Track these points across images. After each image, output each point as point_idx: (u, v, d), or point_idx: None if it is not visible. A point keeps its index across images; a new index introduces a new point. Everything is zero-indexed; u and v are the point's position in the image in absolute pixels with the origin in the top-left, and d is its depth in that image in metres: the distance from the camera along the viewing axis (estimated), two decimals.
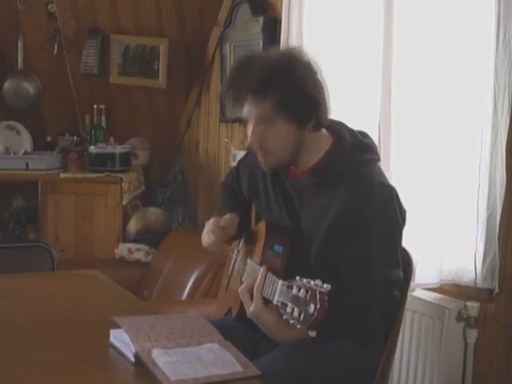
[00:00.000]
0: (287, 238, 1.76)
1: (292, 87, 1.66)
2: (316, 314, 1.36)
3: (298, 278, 1.45)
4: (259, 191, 1.91)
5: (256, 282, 1.63)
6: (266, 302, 1.60)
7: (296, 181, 1.79)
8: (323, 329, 1.55)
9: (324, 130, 1.76)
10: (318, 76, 1.71)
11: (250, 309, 1.63)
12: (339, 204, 1.67)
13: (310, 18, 2.83)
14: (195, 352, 1.45)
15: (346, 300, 1.64)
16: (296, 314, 1.41)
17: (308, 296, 1.39)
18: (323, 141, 1.76)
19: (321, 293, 1.37)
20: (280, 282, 1.53)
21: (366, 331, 1.68)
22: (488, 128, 2.13)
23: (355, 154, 1.74)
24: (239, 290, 1.69)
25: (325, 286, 1.38)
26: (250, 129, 1.73)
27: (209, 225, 1.92)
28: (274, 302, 1.53)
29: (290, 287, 1.46)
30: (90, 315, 1.81)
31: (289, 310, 1.44)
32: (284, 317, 1.47)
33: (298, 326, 1.41)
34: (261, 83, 1.66)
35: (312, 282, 1.40)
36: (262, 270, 1.64)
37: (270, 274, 1.60)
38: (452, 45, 2.23)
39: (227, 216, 1.93)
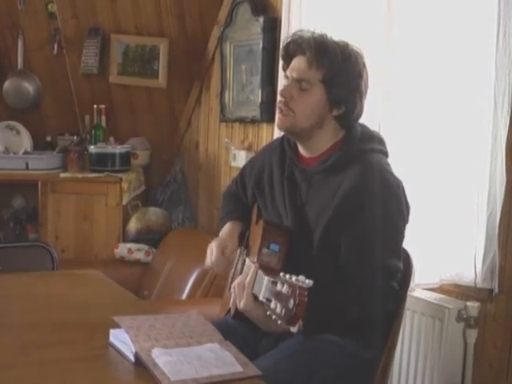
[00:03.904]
0: (284, 237, 1.77)
1: (348, 72, 1.76)
2: (295, 309, 1.37)
3: (282, 274, 1.46)
4: (264, 187, 1.94)
5: (247, 278, 1.65)
6: (257, 298, 1.61)
7: (305, 167, 1.83)
8: (322, 317, 1.57)
9: (339, 126, 1.82)
10: (368, 86, 1.83)
11: (241, 304, 1.66)
12: (346, 187, 1.71)
13: (310, 18, 2.83)
14: (195, 352, 1.45)
15: (344, 287, 1.67)
16: (278, 309, 1.42)
17: (289, 291, 1.40)
18: (337, 132, 1.83)
19: (300, 288, 1.37)
20: (266, 278, 1.54)
21: (365, 320, 1.69)
22: (488, 128, 2.13)
23: (366, 142, 1.81)
24: (232, 287, 1.71)
25: (307, 281, 1.39)
26: (286, 83, 1.81)
27: (213, 252, 1.92)
28: (260, 297, 1.55)
29: (275, 283, 1.47)
30: (90, 315, 1.80)
31: (272, 305, 1.45)
32: (268, 312, 1.48)
33: (279, 322, 1.42)
34: (327, 52, 1.75)
35: (294, 278, 1.41)
36: (253, 267, 1.66)
37: (260, 271, 1.61)
38: (452, 44, 2.23)
39: (228, 241, 1.94)
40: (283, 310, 1.40)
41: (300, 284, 1.38)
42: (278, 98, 1.82)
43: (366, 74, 1.81)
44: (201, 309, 2.25)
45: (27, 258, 2.65)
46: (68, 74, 4.03)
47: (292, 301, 1.37)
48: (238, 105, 3.58)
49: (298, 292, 1.37)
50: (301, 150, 1.87)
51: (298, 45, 1.79)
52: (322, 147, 1.82)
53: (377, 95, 2.44)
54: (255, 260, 1.73)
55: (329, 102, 1.77)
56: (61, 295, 2.02)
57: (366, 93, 1.82)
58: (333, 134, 1.82)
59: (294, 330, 1.44)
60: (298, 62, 1.78)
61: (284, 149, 1.91)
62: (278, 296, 1.43)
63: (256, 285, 1.61)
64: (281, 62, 1.91)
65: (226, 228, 2.00)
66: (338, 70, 1.75)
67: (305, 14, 2.87)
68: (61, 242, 3.66)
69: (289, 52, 1.83)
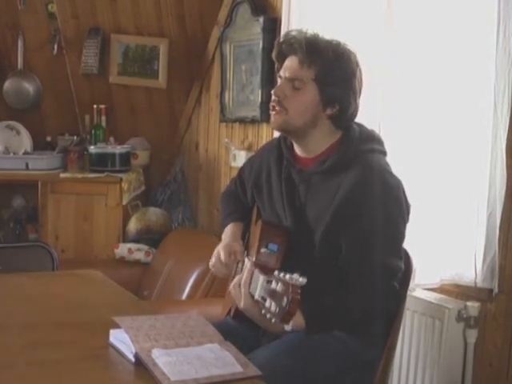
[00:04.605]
0: (282, 237, 1.77)
1: (341, 71, 1.76)
2: (287, 307, 1.37)
3: (276, 272, 1.46)
4: (262, 187, 1.94)
5: (242, 278, 1.65)
6: (253, 297, 1.61)
7: (303, 168, 1.83)
8: (324, 317, 1.59)
9: (334, 126, 1.82)
10: (362, 85, 1.82)
11: (241, 304, 1.66)
12: (346, 187, 1.71)
13: (310, 18, 2.83)
14: (195, 352, 1.45)
15: (345, 287, 1.68)
16: (273, 308, 1.43)
17: (283, 289, 1.40)
18: (334, 132, 1.82)
19: (293, 286, 1.38)
20: (261, 277, 1.54)
21: (365, 320, 1.70)
22: (488, 128, 2.13)
23: (364, 142, 1.80)
24: (230, 287, 1.71)
25: (300, 279, 1.39)
26: (280, 82, 1.80)
27: (221, 255, 1.90)
28: (256, 296, 1.56)
29: (270, 282, 1.47)
30: (90, 315, 1.80)
31: (267, 304, 1.46)
32: (262, 311, 1.48)
33: (273, 320, 1.43)
34: (319, 50, 1.74)
35: (288, 276, 1.41)
36: (248, 265, 1.66)
37: (256, 271, 1.61)
38: (452, 44, 2.23)
39: (235, 246, 1.91)
40: (277, 309, 1.41)
41: (293, 282, 1.38)
42: (272, 97, 1.82)
43: (360, 72, 1.80)
44: (201, 309, 2.25)
45: (27, 258, 2.65)
46: (68, 74, 4.03)
47: (285, 299, 1.38)
48: (237, 105, 3.58)
49: (290, 290, 1.37)
50: (297, 150, 1.86)
51: (290, 45, 1.79)
52: (318, 148, 1.81)
53: (376, 95, 2.44)
54: (253, 260, 1.73)
55: (322, 100, 1.76)
56: (61, 295, 2.02)
57: (360, 92, 1.82)
58: (329, 135, 1.81)
59: (288, 328, 1.44)
60: (291, 62, 1.79)
61: (281, 149, 1.91)
62: (273, 294, 1.44)
63: (253, 284, 1.61)
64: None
65: (229, 230, 1.99)
66: (330, 69, 1.74)
67: (305, 13, 2.87)
68: (61, 242, 3.66)
69: (281, 52, 1.83)
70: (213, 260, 1.94)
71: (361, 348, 1.73)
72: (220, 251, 1.91)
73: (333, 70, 1.75)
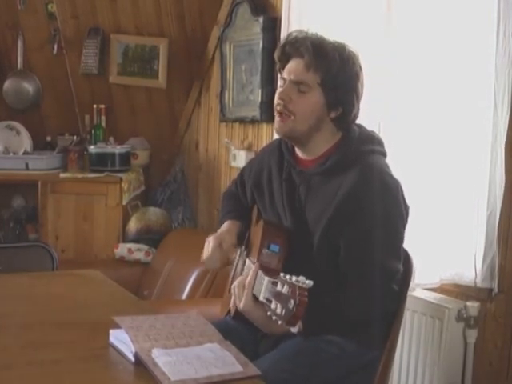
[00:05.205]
0: (284, 237, 1.77)
1: (346, 75, 1.76)
2: (295, 309, 1.37)
3: (282, 274, 1.46)
4: (263, 188, 1.94)
5: (247, 278, 1.64)
6: (257, 298, 1.61)
7: (303, 169, 1.83)
8: (321, 318, 1.58)
9: (336, 128, 1.82)
10: (363, 85, 1.82)
11: (241, 305, 1.66)
12: (346, 189, 1.71)
13: (310, 18, 2.83)
14: (195, 352, 1.45)
15: (344, 289, 1.68)
16: (278, 310, 1.43)
17: (289, 292, 1.40)
18: (335, 133, 1.82)
19: (300, 288, 1.38)
20: (266, 278, 1.54)
21: (364, 321, 1.70)
22: (488, 128, 2.13)
23: (364, 143, 1.80)
24: (232, 287, 1.71)
25: (307, 282, 1.39)
26: (284, 86, 1.79)
27: (210, 244, 1.93)
28: (260, 298, 1.56)
29: (275, 284, 1.47)
30: (90, 315, 1.80)
31: (273, 306, 1.46)
32: (268, 313, 1.48)
33: (279, 322, 1.43)
34: (326, 55, 1.74)
35: (294, 278, 1.41)
36: (253, 267, 1.66)
37: (260, 272, 1.61)
38: (452, 44, 2.23)
39: (226, 236, 1.94)
40: (283, 311, 1.40)
41: (300, 284, 1.38)
42: (276, 101, 1.80)
43: (362, 75, 1.81)
44: (201, 309, 2.25)
45: (27, 258, 2.65)
46: (68, 74, 4.03)
47: (292, 301, 1.38)
48: (237, 105, 3.58)
49: (298, 292, 1.37)
50: (298, 152, 1.86)
51: (296, 48, 1.77)
52: (319, 149, 1.82)
53: (377, 95, 2.44)
54: (255, 260, 1.73)
55: (327, 104, 1.76)
56: (61, 295, 2.02)
57: (362, 94, 1.82)
58: (330, 136, 1.82)
59: (294, 330, 1.44)
60: (296, 65, 1.77)
61: (282, 150, 1.91)
62: (279, 296, 1.44)
63: (256, 285, 1.61)
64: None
65: (224, 226, 2.00)
66: (336, 73, 1.74)
67: (305, 13, 2.87)
68: (61, 242, 3.66)
69: (285, 53, 1.81)
70: (204, 252, 1.96)
71: (359, 351, 1.73)
72: (210, 241, 1.93)
73: (338, 75, 1.74)
